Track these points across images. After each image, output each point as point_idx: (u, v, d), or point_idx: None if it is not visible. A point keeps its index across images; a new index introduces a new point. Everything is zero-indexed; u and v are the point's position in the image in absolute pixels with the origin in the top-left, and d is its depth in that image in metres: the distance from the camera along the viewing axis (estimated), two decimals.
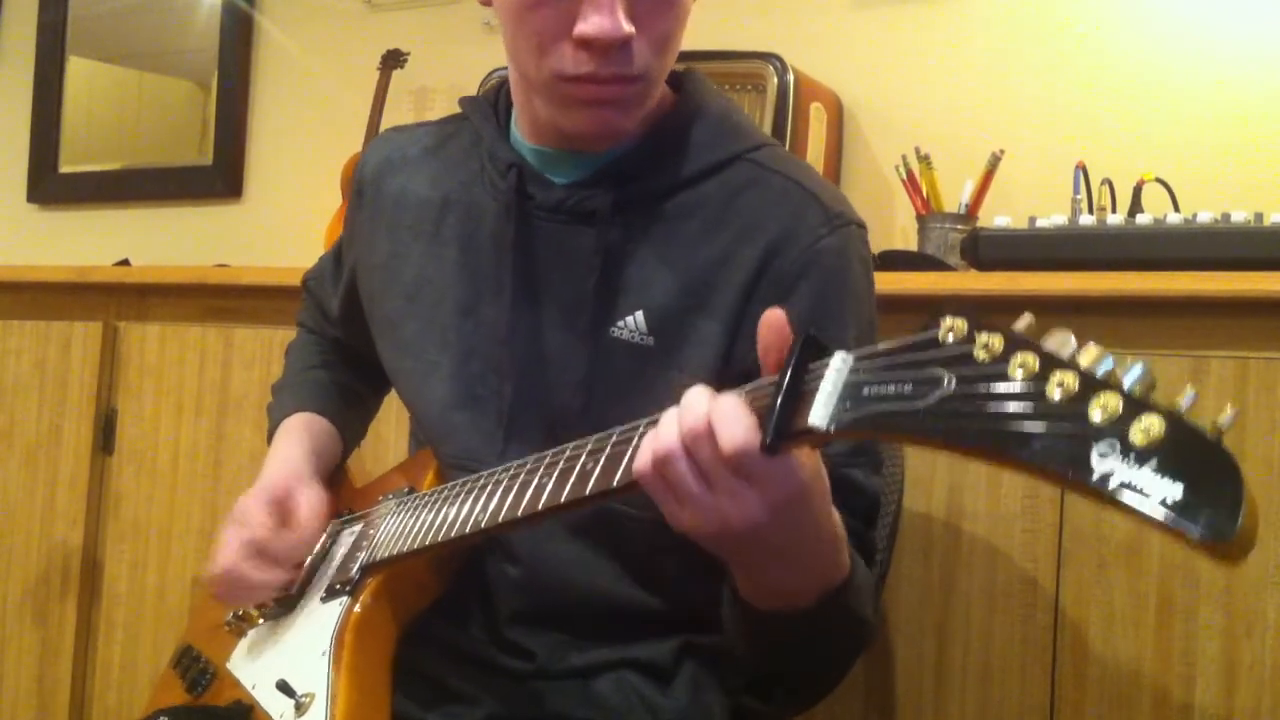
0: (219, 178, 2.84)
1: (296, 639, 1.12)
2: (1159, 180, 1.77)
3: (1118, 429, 0.58)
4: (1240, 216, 1.50)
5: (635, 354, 1.09)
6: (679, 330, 1.09)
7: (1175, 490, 0.55)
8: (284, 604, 1.17)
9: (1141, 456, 0.57)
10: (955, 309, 0.69)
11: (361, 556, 1.12)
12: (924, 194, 1.95)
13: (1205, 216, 1.52)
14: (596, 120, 1.07)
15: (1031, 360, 0.63)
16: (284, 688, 1.04)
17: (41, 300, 2.38)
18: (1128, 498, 0.56)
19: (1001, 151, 1.93)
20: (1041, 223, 1.60)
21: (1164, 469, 0.56)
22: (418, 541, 1.05)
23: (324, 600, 1.12)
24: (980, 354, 0.66)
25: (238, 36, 2.84)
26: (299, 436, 1.30)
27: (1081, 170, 1.79)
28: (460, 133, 1.25)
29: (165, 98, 2.99)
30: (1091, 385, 0.60)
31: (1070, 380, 0.61)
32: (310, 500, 1.21)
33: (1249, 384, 1.43)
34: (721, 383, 1.08)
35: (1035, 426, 0.61)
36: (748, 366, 1.08)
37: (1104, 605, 1.48)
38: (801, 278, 1.07)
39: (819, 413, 0.72)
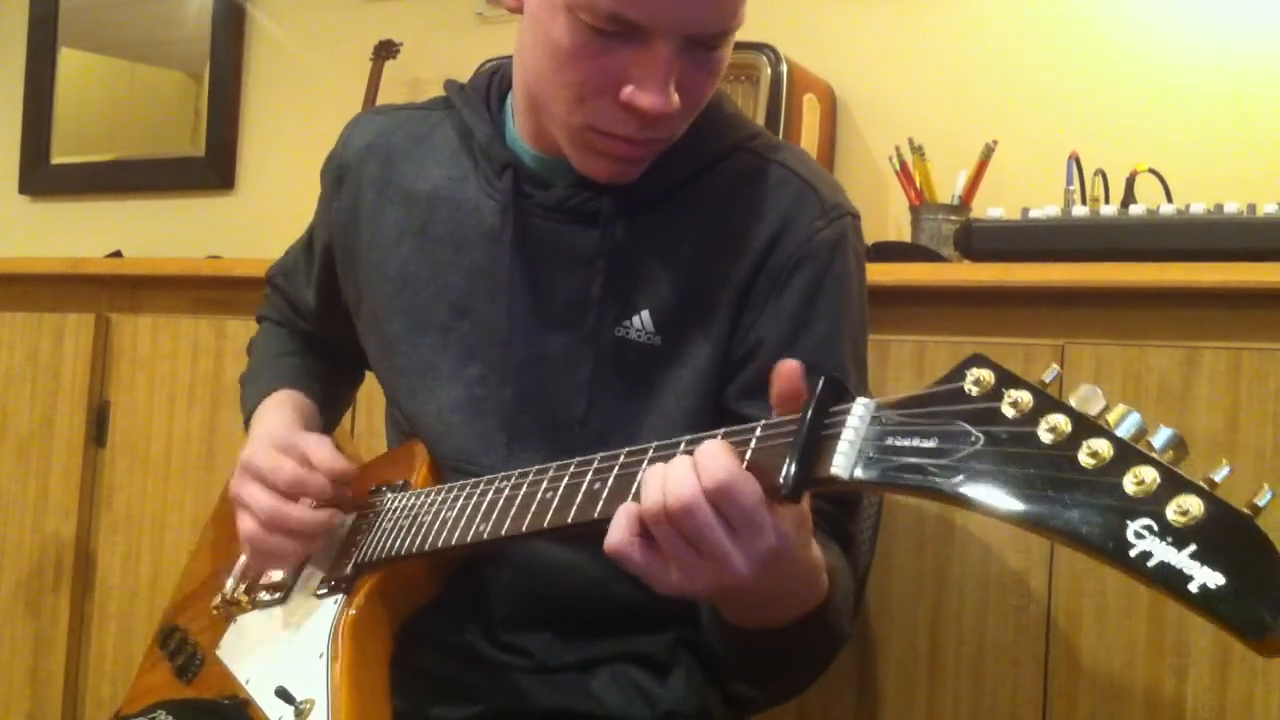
0: (211, 169, 2.83)
1: (291, 636, 1.10)
2: (1152, 171, 1.77)
3: (1154, 506, 0.58)
4: (1233, 207, 1.50)
5: (643, 354, 1.09)
6: (685, 328, 1.08)
7: (1216, 578, 0.55)
8: (274, 592, 1.15)
9: (1181, 539, 0.57)
10: (981, 361, 0.69)
11: (355, 553, 1.10)
12: (917, 185, 1.95)
13: (1198, 207, 1.52)
14: (615, 171, 1.07)
15: (1063, 423, 0.63)
16: (283, 694, 1.03)
17: (33, 292, 2.37)
18: (1167, 581, 0.56)
19: (995, 142, 1.93)
20: (1034, 213, 1.60)
21: (1204, 555, 0.56)
22: (414, 546, 1.04)
23: (318, 595, 1.10)
24: (1008, 410, 0.65)
25: (229, 27, 2.82)
26: (288, 407, 1.24)
27: (1075, 161, 1.79)
28: (445, 122, 1.22)
29: (157, 89, 2.98)
30: (1124, 454, 0.60)
31: (1104, 449, 0.61)
32: (321, 442, 1.11)
33: (1242, 375, 1.44)
34: (722, 377, 1.08)
35: (1069, 495, 0.60)
36: (740, 357, 1.08)
37: (1097, 596, 1.48)
38: (796, 270, 1.07)
39: (840, 462, 0.71)
